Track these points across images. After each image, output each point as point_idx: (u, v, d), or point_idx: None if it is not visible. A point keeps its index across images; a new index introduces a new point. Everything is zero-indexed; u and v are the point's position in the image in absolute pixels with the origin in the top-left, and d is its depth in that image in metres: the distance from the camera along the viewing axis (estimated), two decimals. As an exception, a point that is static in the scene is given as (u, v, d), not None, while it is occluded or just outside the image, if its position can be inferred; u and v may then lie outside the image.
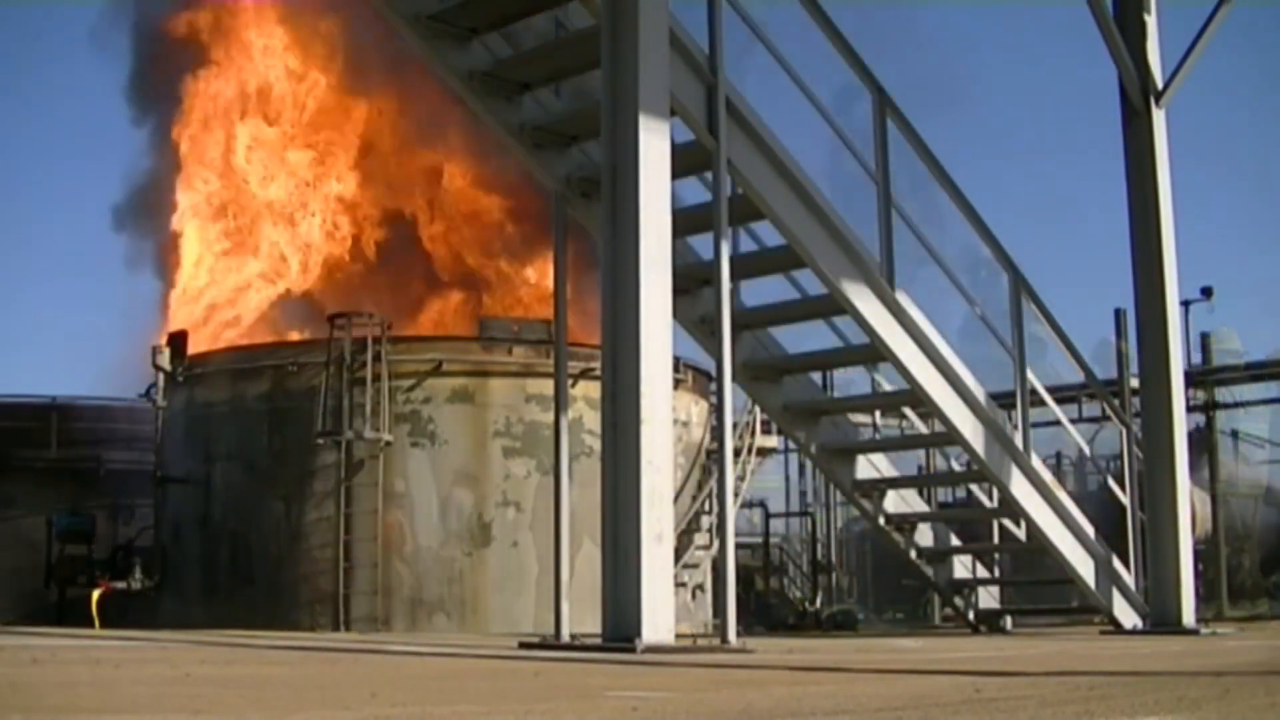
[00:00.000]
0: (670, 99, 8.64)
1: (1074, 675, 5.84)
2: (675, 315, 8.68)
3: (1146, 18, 12.33)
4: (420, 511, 16.19)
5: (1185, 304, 23.98)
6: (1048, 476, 12.46)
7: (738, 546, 13.99)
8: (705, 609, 18.28)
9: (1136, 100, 12.28)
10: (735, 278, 11.15)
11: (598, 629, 8.10)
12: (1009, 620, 13.80)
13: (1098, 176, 78.77)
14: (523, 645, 8.83)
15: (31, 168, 65.10)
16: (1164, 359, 12.20)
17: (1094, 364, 13.95)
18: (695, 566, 18.19)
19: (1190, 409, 21.03)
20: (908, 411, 14.28)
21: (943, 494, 24.96)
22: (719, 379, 9.22)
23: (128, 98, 23.64)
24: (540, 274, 21.54)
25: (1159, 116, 12.27)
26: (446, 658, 7.83)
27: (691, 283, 11.20)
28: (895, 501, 13.37)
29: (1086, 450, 19.78)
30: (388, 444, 16.16)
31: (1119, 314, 21.30)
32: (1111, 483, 14.66)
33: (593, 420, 14.03)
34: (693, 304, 11.35)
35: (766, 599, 27.37)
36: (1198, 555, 14.91)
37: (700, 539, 18.32)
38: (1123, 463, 13.73)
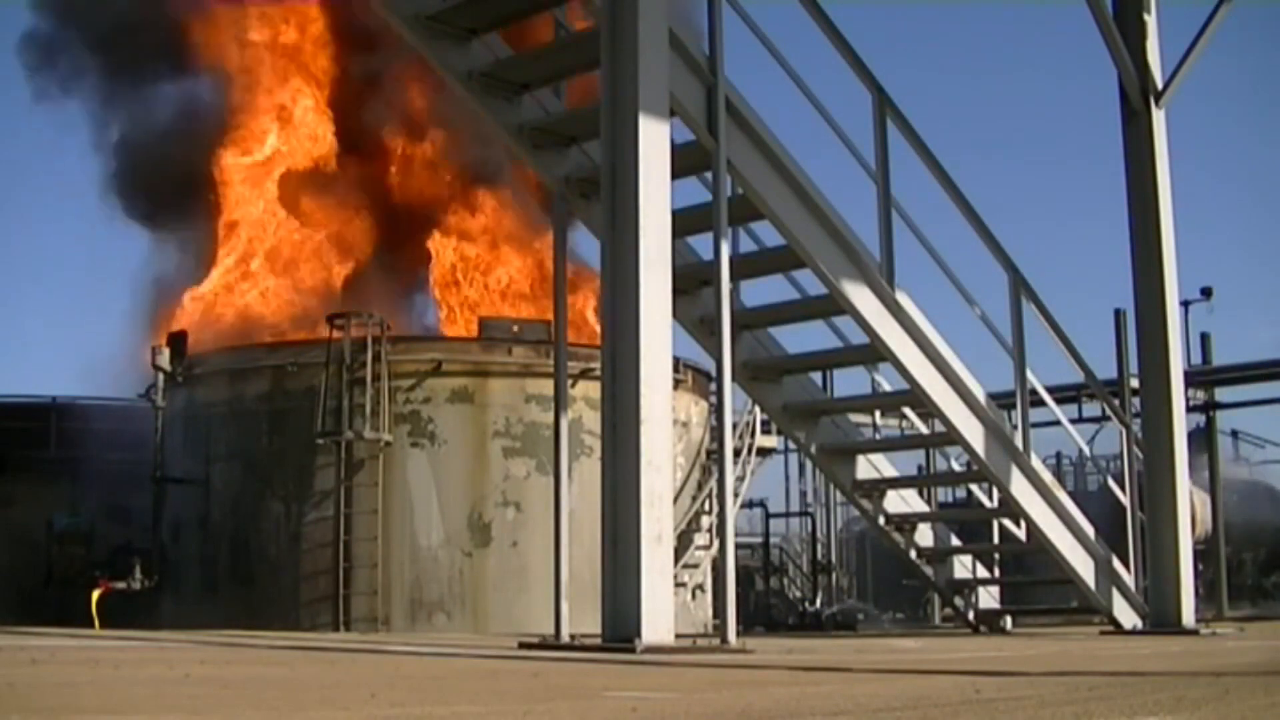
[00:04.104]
0: (670, 99, 8.64)
1: (1073, 675, 5.84)
2: (675, 315, 8.68)
3: (1146, 18, 12.33)
4: (420, 511, 16.19)
5: (1185, 304, 24.02)
6: (1048, 476, 12.46)
7: (738, 546, 14.01)
8: (705, 609, 18.28)
9: (1136, 100, 12.27)
10: (735, 278, 11.15)
11: (598, 629, 8.10)
12: (1009, 620, 13.80)
13: (1098, 177, 78.85)
14: (522, 645, 8.83)
15: (31, 166, 65.17)
16: (1164, 359, 12.19)
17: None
18: (695, 566, 18.19)
19: (1190, 409, 21.03)
20: (908, 411, 14.28)
21: (943, 494, 24.96)
22: (719, 379, 9.22)
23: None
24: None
25: (1158, 116, 12.26)
26: (446, 658, 7.83)
27: (691, 283, 11.20)
28: (895, 501, 13.37)
29: (1086, 450, 19.82)
30: (387, 444, 16.15)
31: (1119, 314, 21.30)
32: (1111, 483, 14.67)
33: (593, 420, 14.03)
34: (693, 304, 11.35)
35: (766, 599, 27.38)
36: (1198, 555, 14.91)
37: (700, 539, 18.32)
38: (1123, 463, 13.73)
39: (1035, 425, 12.63)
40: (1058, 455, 29.02)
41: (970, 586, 13.82)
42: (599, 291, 8.60)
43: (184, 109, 22.76)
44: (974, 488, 14.37)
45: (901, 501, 13.46)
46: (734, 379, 10.52)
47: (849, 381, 37.36)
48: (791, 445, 25.15)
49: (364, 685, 5.26)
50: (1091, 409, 23.21)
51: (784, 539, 30.94)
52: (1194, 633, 11.65)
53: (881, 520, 13.27)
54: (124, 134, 22.85)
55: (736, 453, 19.54)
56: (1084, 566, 12.46)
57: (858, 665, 7.03)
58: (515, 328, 17.33)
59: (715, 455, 15.15)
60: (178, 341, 18.27)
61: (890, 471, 13.38)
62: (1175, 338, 12.32)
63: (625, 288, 8.12)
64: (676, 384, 13.63)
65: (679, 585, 16.58)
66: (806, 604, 25.92)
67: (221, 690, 4.99)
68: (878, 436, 14.75)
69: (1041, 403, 12.70)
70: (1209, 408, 24.67)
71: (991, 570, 14.58)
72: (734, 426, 15.08)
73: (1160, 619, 11.96)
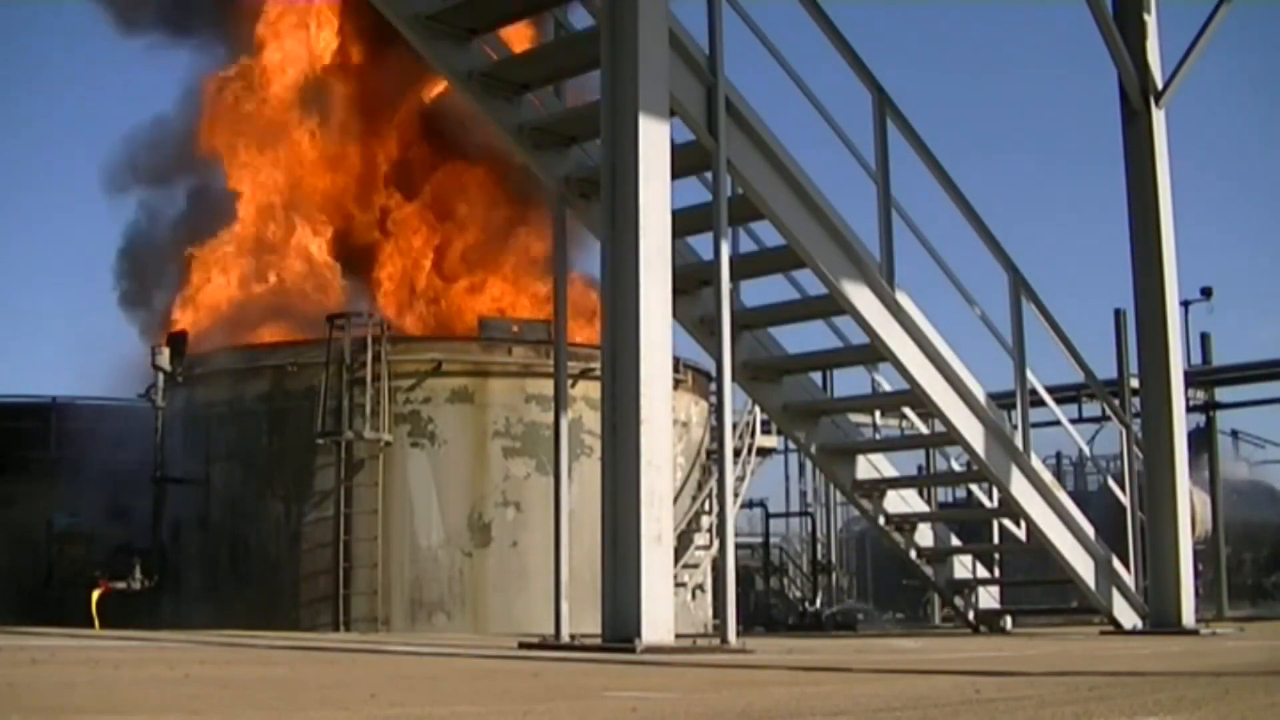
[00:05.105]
0: (670, 99, 8.64)
1: (1073, 675, 5.84)
2: (675, 315, 8.68)
3: (1146, 18, 12.33)
4: (420, 511, 16.19)
5: (1185, 304, 24.02)
6: (1048, 477, 12.45)
7: (738, 546, 14.01)
8: (705, 609, 18.28)
9: (1136, 100, 12.27)
10: (735, 278, 11.15)
11: (598, 629, 8.10)
12: (1009, 620, 13.80)
13: (1098, 177, 78.87)
14: (522, 645, 8.83)
15: (32, 166, 65.20)
16: (1164, 359, 12.19)
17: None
18: (695, 566, 18.19)
19: (1190, 409, 21.04)
20: (908, 411, 14.28)
21: (943, 494, 24.96)
22: (719, 379, 9.22)
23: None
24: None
25: (1159, 116, 12.26)
26: (446, 658, 7.83)
27: (691, 283, 11.20)
28: (895, 501, 13.37)
29: (1086, 450, 19.83)
30: (387, 444, 16.15)
31: (1119, 314, 21.30)
32: (1111, 483, 14.67)
33: (593, 420, 14.03)
34: (693, 304, 11.35)
35: (766, 599, 27.39)
36: (1198, 555, 14.91)
37: (700, 539, 18.32)
38: (1123, 463, 13.73)
39: (1035, 425, 12.63)
40: (1058, 455, 29.04)
41: (970, 586, 13.82)
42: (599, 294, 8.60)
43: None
44: (974, 488, 14.37)
45: (901, 501, 13.46)
46: (734, 379, 10.52)
47: (849, 381, 37.39)
48: (791, 445, 25.16)
49: (364, 685, 5.26)
50: (1091, 409, 23.22)
51: (784, 539, 30.96)
52: (1194, 633, 11.65)
53: (881, 520, 13.27)
54: None
55: (736, 453, 19.53)
56: (1084, 566, 12.45)
57: (858, 665, 7.03)
58: (515, 328, 17.34)
59: (715, 455, 15.15)
60: (178, 341, 18.27)
61: (890, 471, 13.38)
62: (1175, 338, 12.32)
63: (625, 288, 8.12)
64: (676, 384, 13.62)
65: (679, 585, 16.58)
66: (806, 604, 25.93)
67: (221, 690, 4.99)
68: (878, 436, 14.76)
69: (1041, 403, 12.70)
70: (1209, 408, 24.68)
71: (991, 570, 14.58)
72: (734, 426, 15.08)
73: (1160, 619, 11.96)
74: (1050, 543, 12.26)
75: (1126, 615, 12.67)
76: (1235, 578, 25.90)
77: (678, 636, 8.14)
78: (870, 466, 13.15)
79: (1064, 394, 18.83)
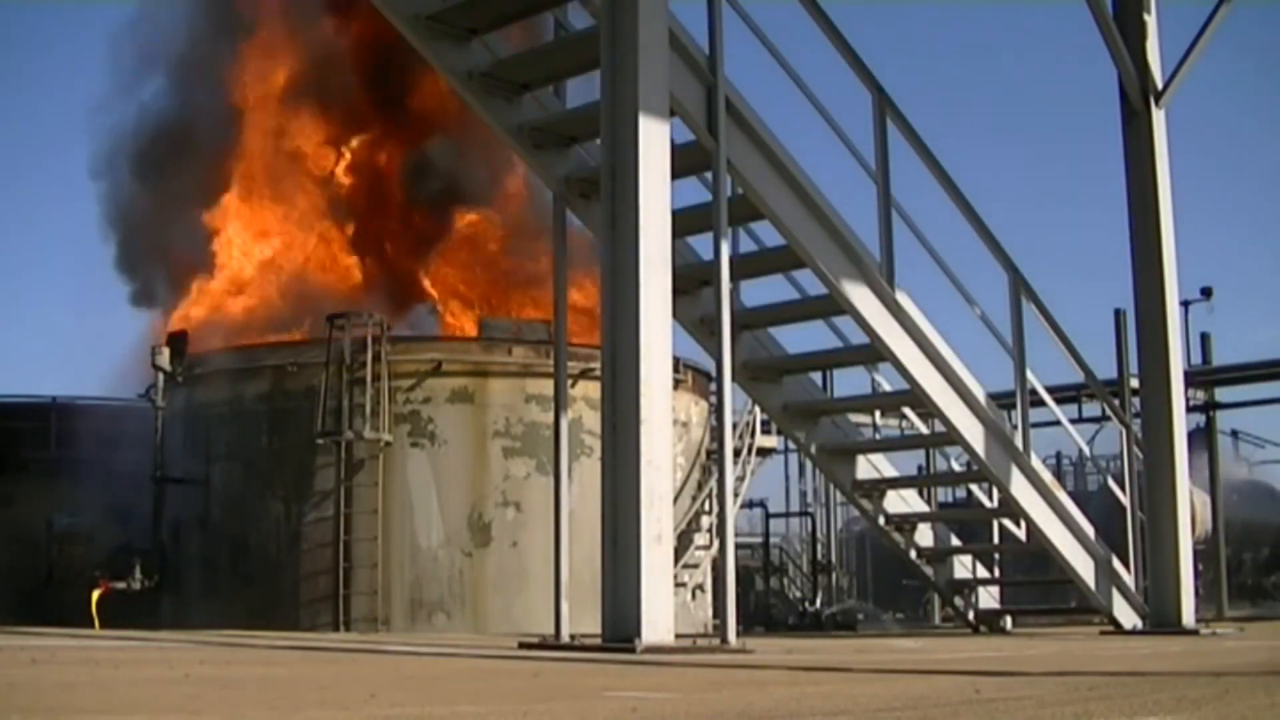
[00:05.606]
0: (670, 99, 8.64)
1: (1073, 675, 5.84)
2: (675, 315, 8.68)
3: (1146, 17, 12.33)
4: (420, 511, 16.19)
5: (1185, 304, 24.02)
6: (1048, 477, 12.46)
7: (738, 546, 14.01)
8: (705, 609, 18.28)
9: (1136, 100, 12.27)
10: (735, 278, 11.15)
11: (598, 629, 8.10)
12: (1009, 620, 13.80)
13: (1098, 176, 78.89)
14: (522, 645, 8.83)
15: (33, 166, 65.20)
16: (1164, 359, 12.19)
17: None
18: (695, 566, 18.19)
19: (1190, 409, 21.04)
20: (908, 411, 14.28)
21: (943, 494, 24.97)
22: (719, 379, 9.22)
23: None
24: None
25: (1159, 116, 12.26)
26: (445, 658, 7.83)
27: (691, 283, 11.20)
28: (895, 501, 13.37)
29: (1086, 450, 19.84)
30: (387, 444, 16.16)
31: (1119, 314, 21.31)
32: (1111, 483, 14.67)
33: (593, 420, 14.03)
34: (693, 304, 11.35)
35: (766, 599, 27.41)
36: (1198, 555, 14.91)
37: (700, 539, 18.32)
38: (1123, 463, 13.73)
39: (1035, 425, 12.63)
40: (1058, 455, 29.08)
41: (970, 586, 13.82)
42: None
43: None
44: (974, 488, 14.37)
45: (901, 501, 13.46)
46: (734, 379, 10.52)
47: (849, 381, 37.38)
48: (791, 445, 25.16)
49: (364, 685, 5.26)
50: (1091, 409, 23.23)
51: (784, 539, 30.99)
52: (1194, 633, 11.65)
53: (881, 520, 13.27)
54: None
55: (736, 453, 19.53)
56: (1084, 566, 12.45)
57: (858, 665, 7.03)
58: (515, 328, 17.35)
59: (715, 455, 15.15)
60: (178, 341, 18.27)
61: (890, 471, 13.38)
62: (1175, 338, 12.32)
63: (625, 288, 8.12)
64: (676, 384, 13.62)
65: (679, 585, 16.58)
66: (806, 604, 25.94)
67: (221, 690, 4.99)
68: (878, 436, 14.76)
69: (1041, 403, 12.70)
70: (1209, 408, 24.68)
71: (991, 570, 14.58)
72: (734, 426, 15.08)
73: (1160, 619, 11.96)
74: (1050, 543, 12.26)
75: (1126, 615, 12.67)
76: (1235, 578, 25.93)
77: (678, 636, 8.14)
78: (870, 466, 13.15)
79: (1064, 394, 18.83)
